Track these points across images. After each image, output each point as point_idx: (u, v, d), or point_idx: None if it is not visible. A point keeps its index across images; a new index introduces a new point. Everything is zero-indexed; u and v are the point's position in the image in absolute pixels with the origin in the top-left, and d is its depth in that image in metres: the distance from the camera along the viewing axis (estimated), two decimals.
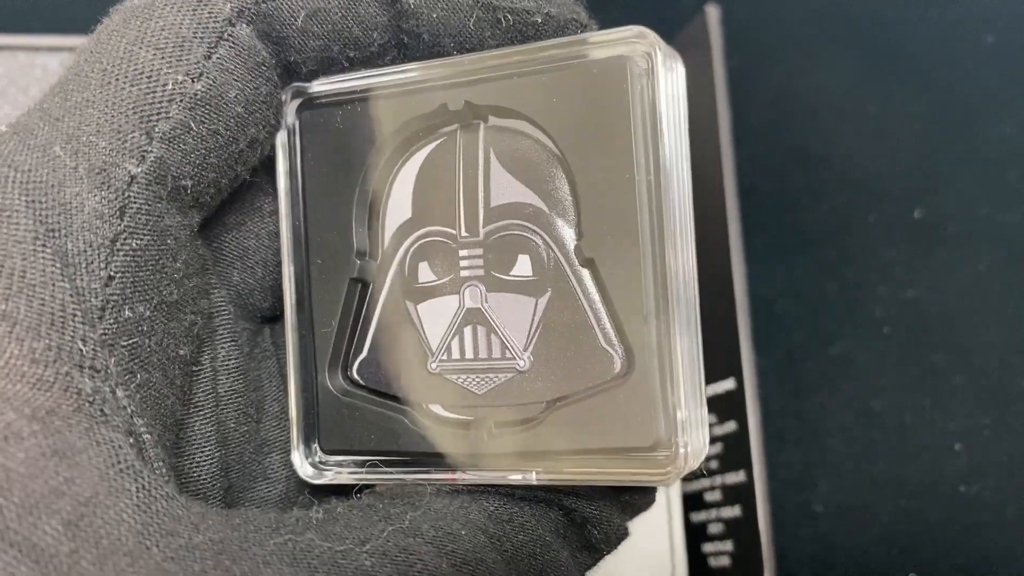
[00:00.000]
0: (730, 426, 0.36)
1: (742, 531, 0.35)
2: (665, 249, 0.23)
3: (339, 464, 0.26)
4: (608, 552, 0.25)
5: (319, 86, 0.25)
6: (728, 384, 0.36)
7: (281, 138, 0.26)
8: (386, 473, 0.25)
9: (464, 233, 0.25)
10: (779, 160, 0.43)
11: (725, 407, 0.36)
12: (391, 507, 0.23)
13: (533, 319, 0.24)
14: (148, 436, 0.21)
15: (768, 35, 0.45)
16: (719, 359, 0.37)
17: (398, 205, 0.26)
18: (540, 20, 0.25)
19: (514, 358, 0.24)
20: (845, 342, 0.40)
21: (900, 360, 0.40)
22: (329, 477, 0.26)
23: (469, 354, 0.25)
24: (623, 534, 0.25)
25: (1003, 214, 0.41)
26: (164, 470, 0.21)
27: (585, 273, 0.24)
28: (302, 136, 0.26)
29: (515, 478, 0.24)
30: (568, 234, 0.24)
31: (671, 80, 0.23)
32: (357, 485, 0.25)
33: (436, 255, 0.25)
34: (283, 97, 0.25)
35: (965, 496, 0.37)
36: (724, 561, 0.36)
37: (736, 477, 0.35)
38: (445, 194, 0.25)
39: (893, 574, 0.36)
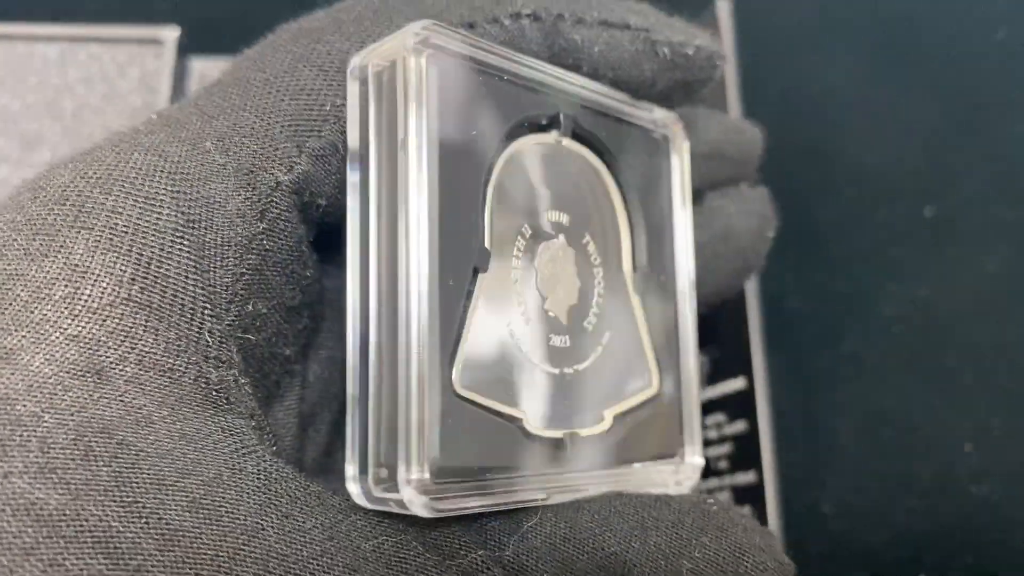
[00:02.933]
0: (740, 426, 0.36)
1: None
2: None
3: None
4: None
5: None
6: (738, 383, 0.36)
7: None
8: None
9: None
10: (789, 157, 0.43)
11: (735, 406, 0.36)
12: (491, 522, 0.23)
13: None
14: (266, 422, 0.23)
15: (779, 30, 0.45)
16: (729, 358, 0.36)
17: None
18: (692, 52, 0.27)
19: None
20: (855, 341, 0.40)
21: (910, 359, 0.39)
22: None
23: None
24: None
25: (1014, 212, 0.41)
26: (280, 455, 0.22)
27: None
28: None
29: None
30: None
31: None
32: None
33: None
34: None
35: (975, 496, 0.37)
36: None
37: (746, 477, 0.35)
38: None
39: (903, 575, 0.36)
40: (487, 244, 0.23)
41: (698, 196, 0.30)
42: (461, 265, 0.22)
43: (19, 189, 0.23)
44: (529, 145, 0.25)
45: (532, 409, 0.23)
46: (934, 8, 0.44)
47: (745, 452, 0.35)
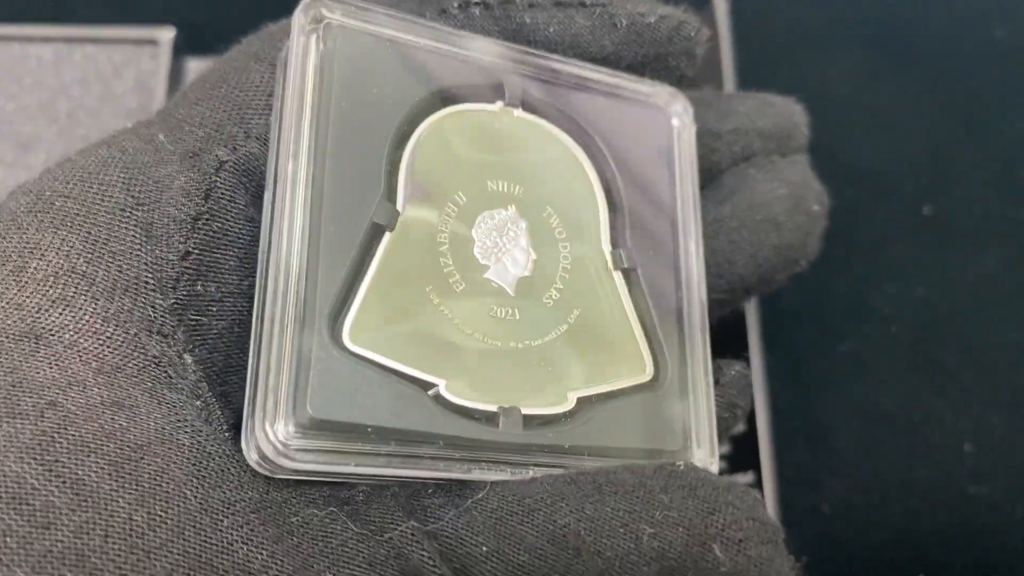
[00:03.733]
0: (738, 426, 0.36)
1: None
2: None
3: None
4: None
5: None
6: None
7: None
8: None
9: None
10: None
11: None
12: (430, 497, 0.22)
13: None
14: (215, 400, 0.22)
15: (775, 29, 0.45)
16: (727, 358, 0.36)
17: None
18: (653, 20, 0.27)
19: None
20: (853, 340, 0.40)
21: (909, 359, 0.39)
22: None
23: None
24: None
25: (1014, 210, 0.41)
26: (229, 433, 0.22)
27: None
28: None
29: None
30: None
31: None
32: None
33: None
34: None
35: (975, 496, 0.37)
36: None
37: (745, 478, 0.35)
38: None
39: (902, 575, 0.36)
40: (399, 206, 0.23)
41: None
42: (354, 221, 0.22)
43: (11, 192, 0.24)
44: (465, 115, 0.25)
45: (456, 377, 0.22)
46: (932, 7, 0.44)
47: (744, 453, 0.35)
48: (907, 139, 0.43)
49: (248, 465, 0.21)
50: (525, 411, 0.23)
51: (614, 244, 0.26)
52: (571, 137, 0.26)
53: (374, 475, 0.21)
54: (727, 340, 0.36)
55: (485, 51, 0.25)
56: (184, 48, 0.41)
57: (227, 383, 0.23)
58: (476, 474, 0.22)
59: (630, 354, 0.25)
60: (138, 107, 0.40)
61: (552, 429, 0.23)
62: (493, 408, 0.23)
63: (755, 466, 0.35)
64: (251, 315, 0.22)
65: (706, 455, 0.25)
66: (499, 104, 0.25)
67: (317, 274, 0.21)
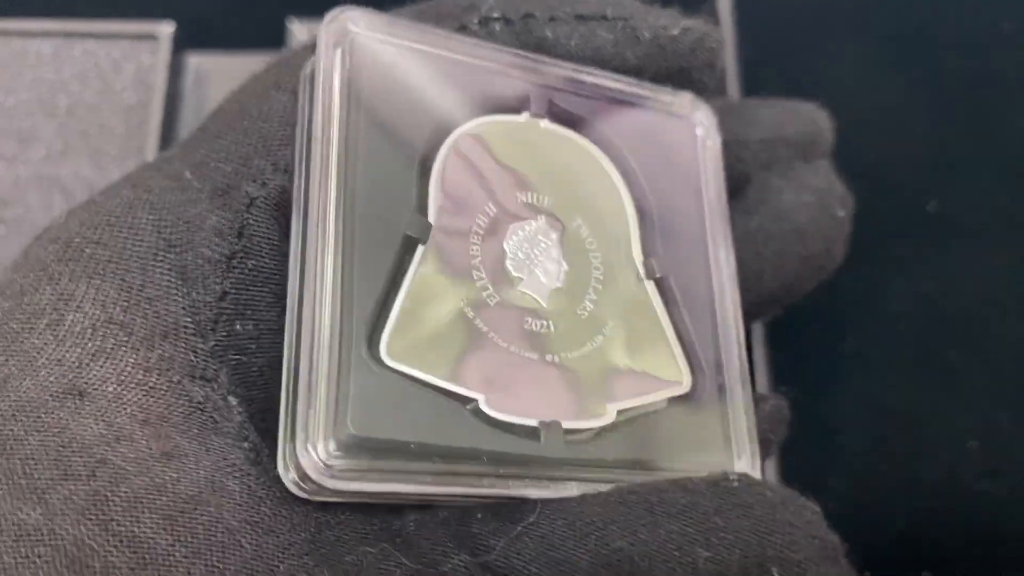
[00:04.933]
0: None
1: None
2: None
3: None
4: None
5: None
6: None
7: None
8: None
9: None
10: None
11: None
12: (477, 523, 0.21)
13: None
14: (260, 440, 0.22)
15: (779, 24, 0.44)
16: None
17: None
18: (677, 33, 0.26)
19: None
20: (858, 338, 0.39)
21: (915, 356, 0.39)
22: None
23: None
24: None
25: (1020, 206, 0.41)
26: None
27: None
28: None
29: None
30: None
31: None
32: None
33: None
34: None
35: (981, 495, 0.37)
36: None
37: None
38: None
39: (907, 574, 0.36)
40: (430, 218, 0.23)
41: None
42: (387, 235, 0.22)
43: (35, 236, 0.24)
44: (493, 126, 0.24)
45: (494, 391, 0.22)
46: (938, 1, 0.44)
47: None
48: (912, 135, 0.42)
49: (299, 506, 0.21)
50: (566, 425, 0.22)
51: (646, 254, 0.25)
52: (598, 147, 0.26)
53: (418, 493, 0.21)
54: None
55: (509, 63, 0.25)
56: (184, 43, 0.41)
57: (268, 419, 0.23)
58: (521, 491, 0.21)
59: (667, 365, 0.24)
60: (137, 103, 0.39)
61: (594, 443, 0.23)
62: (533, 423, 0.22)
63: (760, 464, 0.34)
64: (280, 342, 0.22)
65: (747, 466, 0.24)
66: (526, 115, 0.25)
67: (353, 289, 0.21)
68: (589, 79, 0.26)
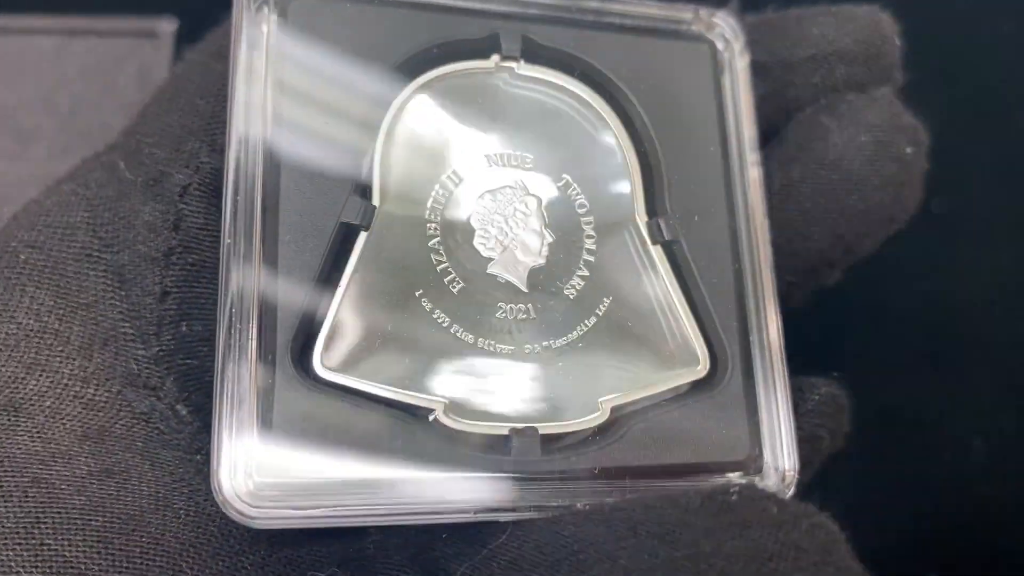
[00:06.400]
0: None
1: None
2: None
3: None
4: None
5: None
6: None
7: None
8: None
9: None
10: None
11: None
12: (443, 547, 0.20)
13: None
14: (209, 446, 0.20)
15: None
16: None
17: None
18: None
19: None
20: (862, 337, 0.39)
21: (918, 355, 0.39)
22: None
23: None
24: None
25: (1022, 206, 0.41)
26: None
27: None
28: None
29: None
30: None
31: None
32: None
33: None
34: None
35: (986, 495, 0.37)
36: None
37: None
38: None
39: (912, 575, 0.36)
40: (374, 199, 0.19)
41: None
42: (318, 224, 0.19)
43: None
44: (453, 77, 0.21)
45: (455, 397, 0.19)
46: (940, 1, 0.44)
47: None
48: None
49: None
50: (544, 430, 0.19)
51: (651, 213, 0.21)
52: (589, 87, 0.22)
53: (358, 524, 0.18)
54: None
55: None
56: (186, 39, 0.40)
57: None
58: (483, 516, 0.19)
59: (678, 346, 0.21)
60: (139, 100, 0.39)
61: (577, 451, 0.19)
62: (504, 431, 0.19)
63: None
64: None
65: (784, 463, 0.21)
66: (495, 59, 0.21)
67: (276, 294, 0.18)
68: (574, 2, 0.21)
